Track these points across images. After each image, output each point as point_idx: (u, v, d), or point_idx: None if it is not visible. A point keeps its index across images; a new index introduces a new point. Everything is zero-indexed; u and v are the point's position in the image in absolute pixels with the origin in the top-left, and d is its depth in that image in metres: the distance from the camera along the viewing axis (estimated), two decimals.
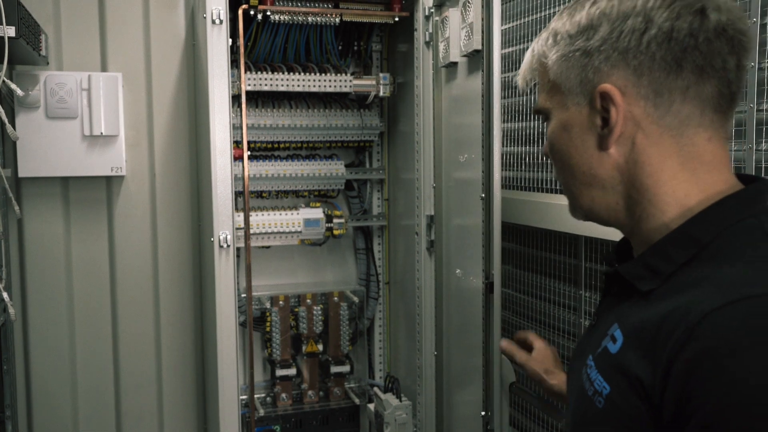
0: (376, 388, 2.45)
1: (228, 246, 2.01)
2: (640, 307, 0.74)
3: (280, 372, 2.50)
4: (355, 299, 2.60)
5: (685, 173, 0.75)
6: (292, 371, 2.51)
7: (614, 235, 0.89)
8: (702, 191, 0.75)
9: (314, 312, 2.53)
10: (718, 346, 0.61)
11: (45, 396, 2.39)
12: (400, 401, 2.35)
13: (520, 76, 0.88)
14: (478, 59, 1.90)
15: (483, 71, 1.85)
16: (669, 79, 0.74)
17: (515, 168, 2.37)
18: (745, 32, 0.75)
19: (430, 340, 2.30)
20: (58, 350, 2.40)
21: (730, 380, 0.60)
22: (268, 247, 2.58)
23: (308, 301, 2.54)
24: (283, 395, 2.53)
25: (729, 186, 0.76)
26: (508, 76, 2.43)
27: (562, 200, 2.10)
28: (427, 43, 2.24)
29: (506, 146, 2.43)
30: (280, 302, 2.51)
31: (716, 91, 0.74)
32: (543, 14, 2.17)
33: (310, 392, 2.56)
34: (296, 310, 2.53)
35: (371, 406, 2.46)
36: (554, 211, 2.08)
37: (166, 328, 2.50)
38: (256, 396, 2.52)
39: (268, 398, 2.56)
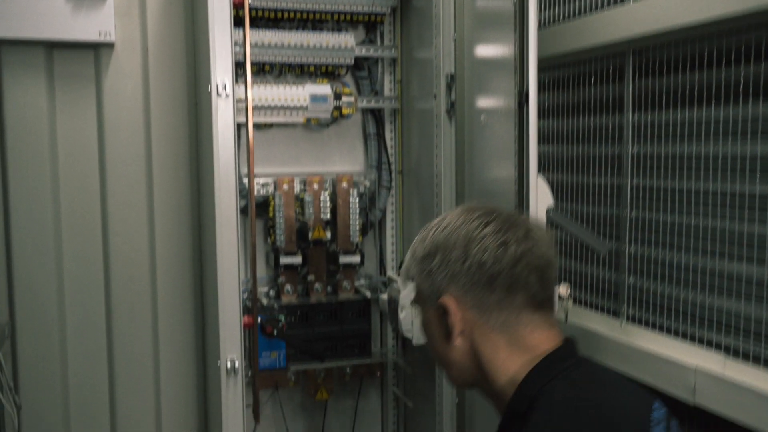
0: (390, 273, 2.25)
1: (227, 96, 1.82)
2: None
3: (284, 260, 2.29)
4: (366, 183, 2.39)
5: (513, 356, 0.98)
6: (298, 259, 2.30)
7: None
8: (523, 366, 0.97)
9: (321, 198, 2.33)
10: None
11: (28, 293, 2.18)
12: None
13: (400, 279, 1.13)
14: None
15: None
16: (485, 295, 0.97)
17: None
18: (542, 255, 0.98)
19: None
20: (41, 237, 2.19)
21: None
22: (270, 126, 2.37)
23: (315, 186, 2.33)
24: (288, 287, 2.32)
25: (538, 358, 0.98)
26: None
27: (603, 12, 1.91)
28: None
29: None
30: (284, 186, 2.30)
31: (525, 300, 0.98)
32: None
33: (317, 284, 2.35)
34: (302, 195, 2.32)
35: (383, 296, 2.26)
36: (593, 23, 1.89)
37: (160, 208, 2.28)
38: (259, 289, 2.32)
39: (271, 291, 2.36)
